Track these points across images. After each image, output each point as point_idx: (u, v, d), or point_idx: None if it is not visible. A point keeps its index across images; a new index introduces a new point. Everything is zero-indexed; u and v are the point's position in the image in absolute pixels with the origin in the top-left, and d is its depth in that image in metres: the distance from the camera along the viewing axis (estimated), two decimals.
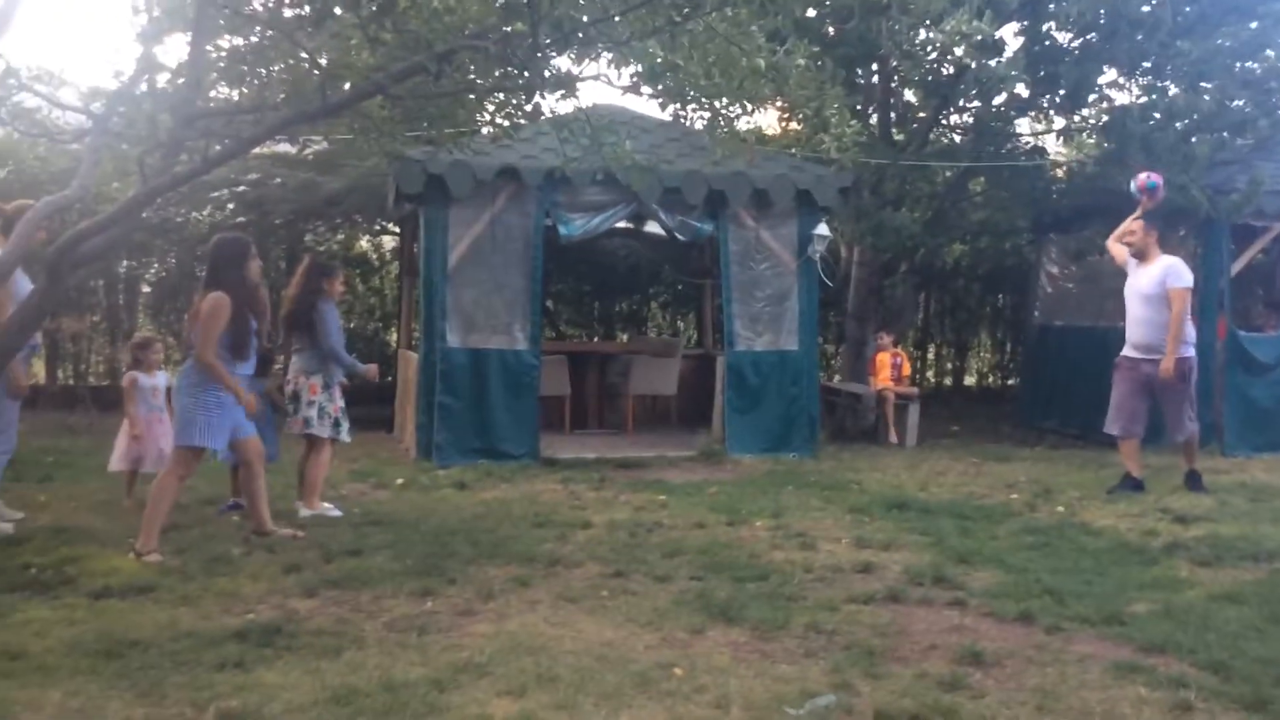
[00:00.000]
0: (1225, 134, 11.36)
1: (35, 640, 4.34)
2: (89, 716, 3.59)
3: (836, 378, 14.36)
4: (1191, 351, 7.98)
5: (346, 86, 6.18)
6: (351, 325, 14.94)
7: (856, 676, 4.12)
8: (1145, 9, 11.18)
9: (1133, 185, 8.42)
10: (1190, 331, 8.00)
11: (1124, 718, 3.74)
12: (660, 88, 7.41)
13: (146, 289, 14.29)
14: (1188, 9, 11.52)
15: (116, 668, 4.05)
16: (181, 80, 6.03)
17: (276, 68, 6.93)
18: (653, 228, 12.01)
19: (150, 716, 3.61)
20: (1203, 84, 11.58)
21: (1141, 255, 8.09)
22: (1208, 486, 8.10)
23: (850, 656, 4.35)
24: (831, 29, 11.80)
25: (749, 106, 8.38)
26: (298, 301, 7.19)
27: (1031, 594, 5.25)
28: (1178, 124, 11.38)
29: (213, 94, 7.47)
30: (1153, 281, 7.92)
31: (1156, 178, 8.41)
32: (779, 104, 10.18)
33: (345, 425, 7.27)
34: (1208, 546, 6.30)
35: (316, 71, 6.13)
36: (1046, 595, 5.22)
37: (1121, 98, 12.78)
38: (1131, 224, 8.23)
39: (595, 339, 15.84)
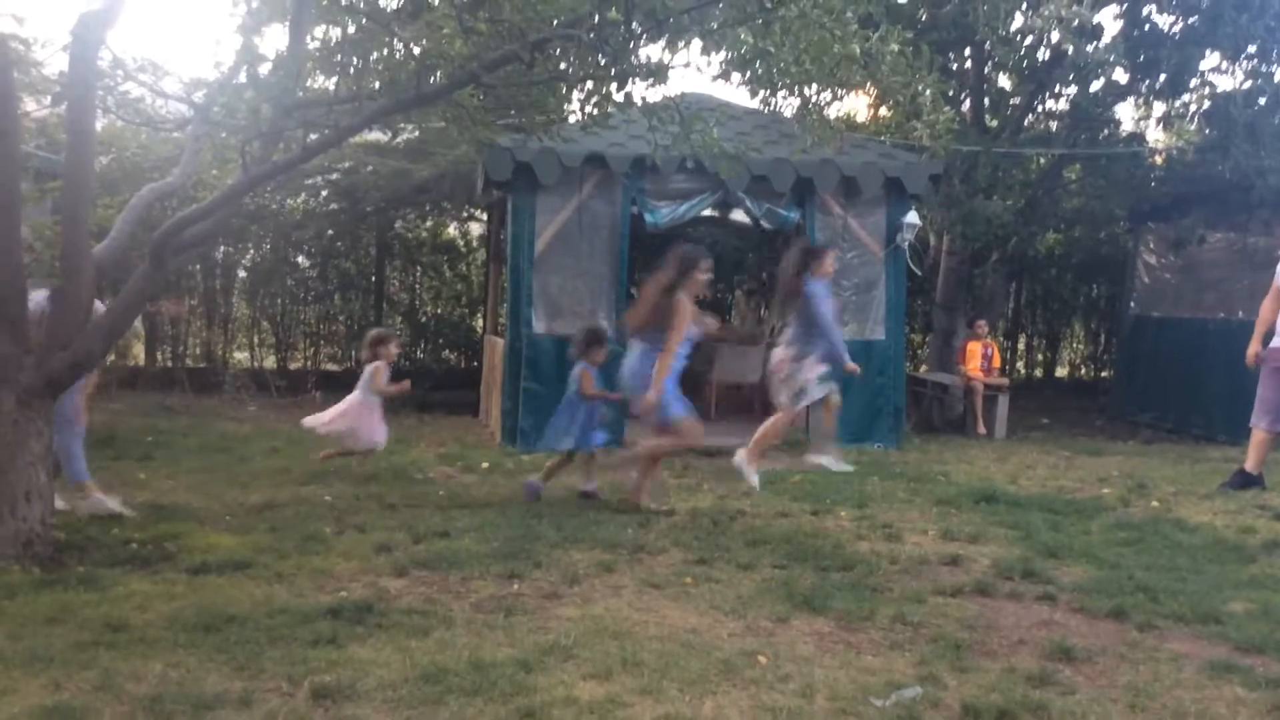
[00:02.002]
0: None
1: (136, 613, 4.49)
2: (188, 688, 3.70)
3: (923, 368, 14.19)
4: None
5: (440, 76, 6.26)
6: (439, 311, 15.16)
7: (943, 669, 4.08)
8: None
9: None
10: None
11: (1219, 718, 3.65)
12: (750, 75, 7.39)
13: (242, 274, 14.64)
14: None
15: (214, 641, 4.18)
16: (281, 71, 6.15)
17: (373, 57, 7.03)
18: (738, 216, 11.97)
19: (247, 689, 3.72)
20: None
21: None
22: None
23: (937, 649, 4.31)
24: (925, 13, 11.63)
25: (839, 93, 8.31)
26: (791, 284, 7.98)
27: (1124, 590, 5.14)
28: None
29: (310, 84, 7.63)
30: None
31: None
32: (870, 90, 10.07)
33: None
34: None
35: (412, 61, 6.21)
36: (1139, 592, 5.10)
37: (1224, 83, 12.40)
38: None
39: None
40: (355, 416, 7.87)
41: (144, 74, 7.15)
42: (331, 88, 7.21)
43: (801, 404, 7.95)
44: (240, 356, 14.64)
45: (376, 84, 6.27)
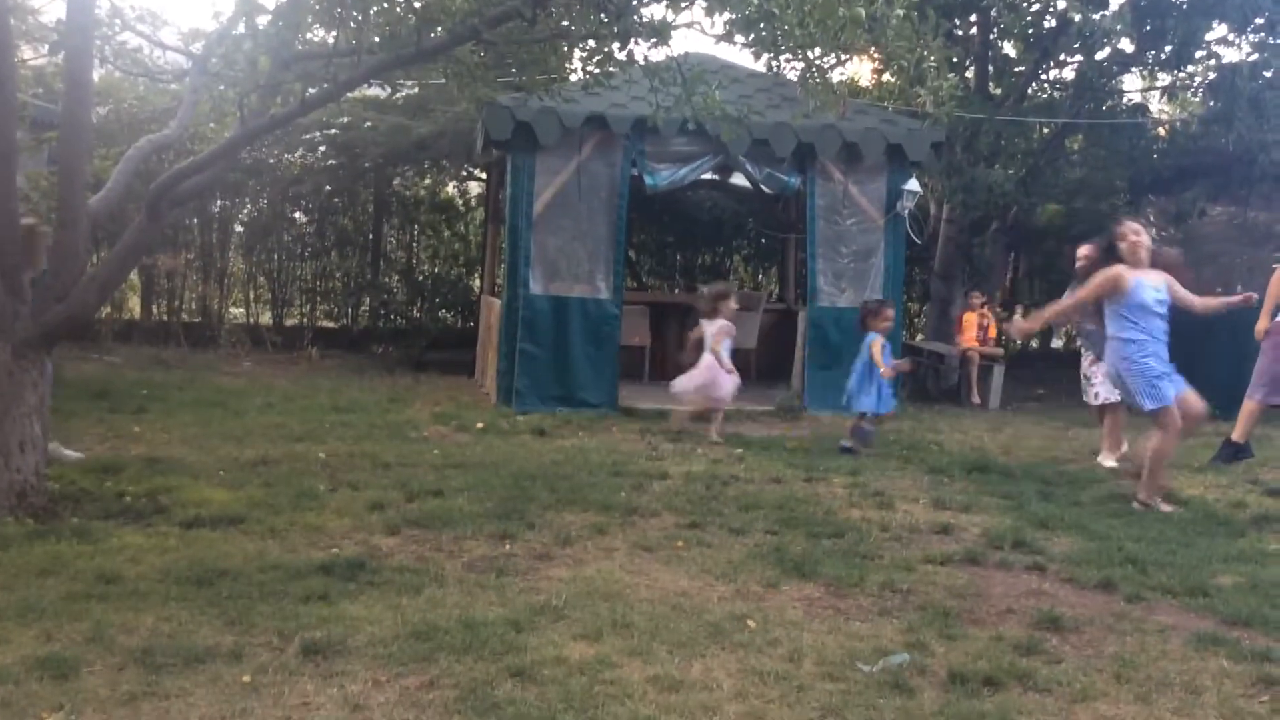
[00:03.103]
0: None
1: (129, 566, 4.51)
2: (179, 641, 3.72)
3: (920, 336, 14.18)
4: None
5: (441, 31, 6.20)
6: (436, 270, 15.13)
7: (931, 637, 4.10)
8: None
9: None
10: None
11: (1204, 690, 3.67)
12: (754, 37, 7.32)
13: (239, 228, 14.58)
14: None
15: (207, 595, 4.20)
16: (280, 23, 6.09)
17: (373, 11, 6.97)
18: (738, 180, 11.92)
19: (238, 643, 3.73)
20: None
21: None
22: None
23: (925, 616, 4.33)
24: None
25: (843, 57, 8.25)
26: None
27: (1113, 562, 5.16)
28: None
29: (309, 37, 7.55)
30: None
31: None
32: (874, 55, 10.00)
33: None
34: None
35: (412, 15, 6.15)
36: (1128, 564, 5.13)
37: (1230, 54, 12.31)
38: None
39: (677, 290, 15.83)
40: (706, 375, 8.35)
41: (142, 24, 7.10)
42: (331, 41, 7.15)
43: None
44: (236, 311, 14.61)
45: (376, 38, 6.21)
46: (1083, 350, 8.33)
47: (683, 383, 8.53)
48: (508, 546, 5.13)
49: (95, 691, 3.32)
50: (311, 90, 6.17)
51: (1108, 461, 7.82)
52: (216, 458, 6.76)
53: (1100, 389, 7.91)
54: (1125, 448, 7.90)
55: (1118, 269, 6.42)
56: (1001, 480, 7.12)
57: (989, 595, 4.70)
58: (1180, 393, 6.36)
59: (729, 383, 8.41)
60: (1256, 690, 3.70)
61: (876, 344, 8.07)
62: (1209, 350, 9.47)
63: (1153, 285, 6.41)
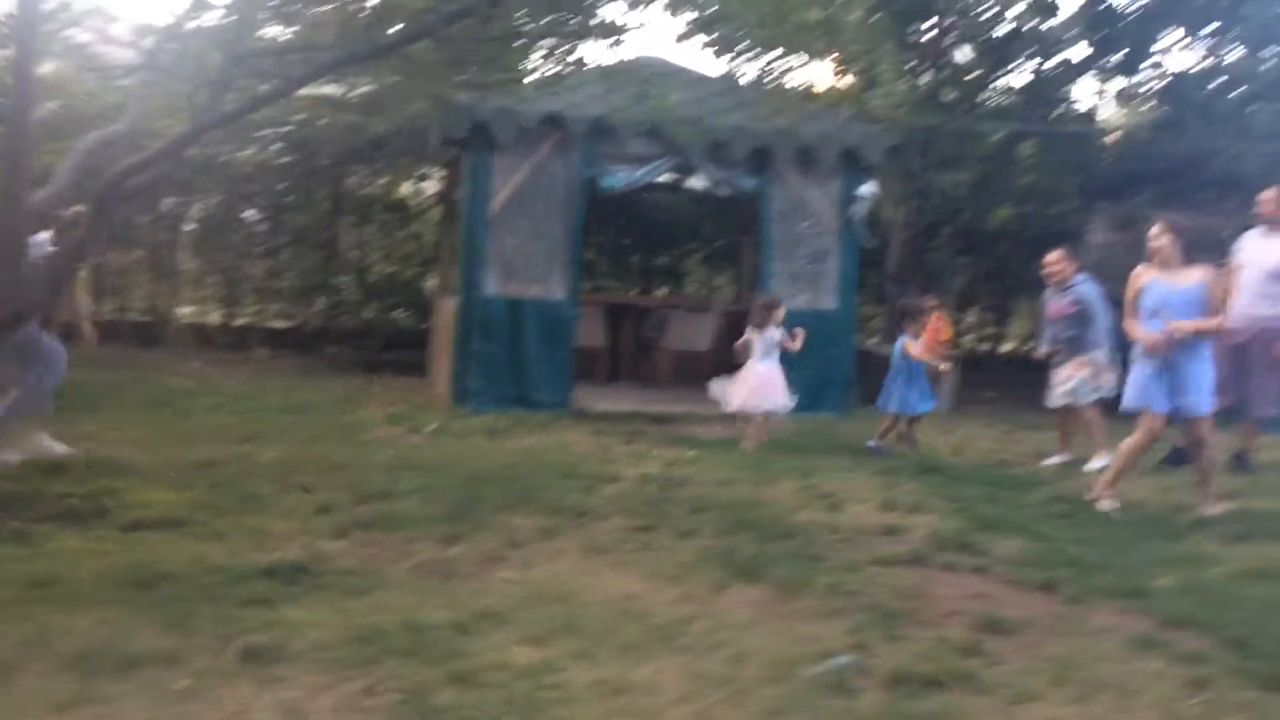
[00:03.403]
0: None
1: (68, 568, 4.43)
2: (117, 644, 3.66)
3: (874, 339, 14.27)
4: None
5: (395, 28, 6.17)
6: (390, 270, 15.04)
7: (876, 638, 4.12)
8: None
9: None
10: None
11: (1140, 691, 3.72)
12: (712, 38, 7.35)
13: (190, 226, 14.41)
14: None
15: (146, 598, 4.14)
16: (232, 18, 6.04)
17: (326, 7, 6.92)
18: (695, 182, 11.94)
19: (177, 647, 3.68)
20: (1266, 50, 11.31)
21: (1275, 225, 7.81)
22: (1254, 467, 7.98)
23: (871, 618, 4.36)
24: None
25: (801, 60, 8.31)
26: None
27: (1055, 563, 5.22)
28: (1238, 90, 11.14)
29: (262, 33, 7.49)
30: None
31: None
32: (831, 59, 10.08)
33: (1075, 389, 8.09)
34: (1237, 523, 6.23)
35: (366, 12, 6.12)
36: (1070, 565, 5.19)
37: (1181, 62, 12.55)
38: (1266, 192, 7.96)
39: (633, 292, 15.84)
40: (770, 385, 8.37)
41: (92, 19, 7.00)
42: (283, 37, 7.10)
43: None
44: (187, 310, 14.44)
45: (329, 34, 6.17)
46: (1052, 354, 8.42)
47: (726, 389, 8.53)
48: (456, 549, 5.10)
49: (29, 696, 3.27)
50: (263, 87, 6.12)
51: (1097, 463, 7.86)
52: (162, 459, 6.68)
53: (1084, 390, 8.06)
54: (1073, 454, 8.06)
55: (1137, 270, 6.57)
56: (950, 482, 7.18)
57: (934, 597, 4.73)
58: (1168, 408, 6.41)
59: (781, 395, 8.42)
60: (1192, 691, 3.75)
61: (910, 345, 8.36)
62: None
63: (1169, 286, 6.41)
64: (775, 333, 8.41)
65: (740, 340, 8.55)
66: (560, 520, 5.71)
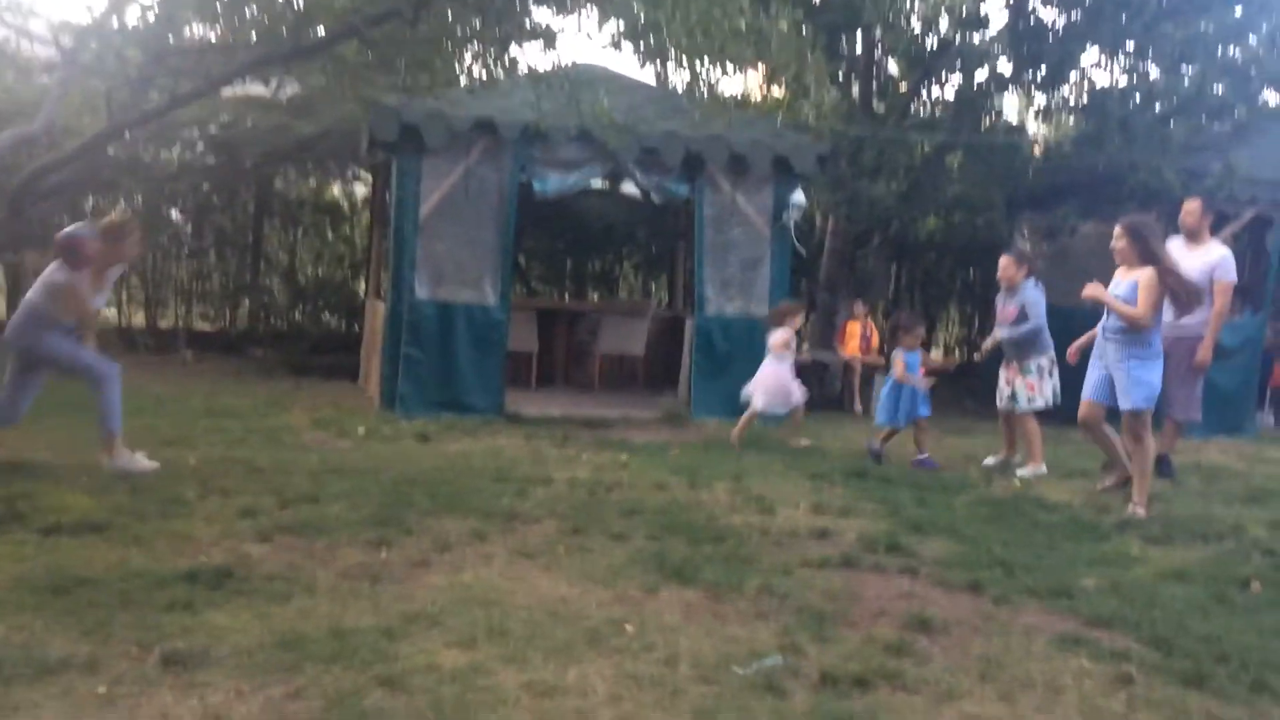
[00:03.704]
0: (1203, 119, 11.39)
1: None
2: (32, 651, 3.56)
3: (805, 345, 14.39)
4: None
5: (320, 28, 6.09)
6: (319, 273, 14.84)
7: (805, 639, 4.14)
8: None
9: None
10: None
11: (1064, 689, 3.78)
12: (641, 45, 7.36)
13: None
14: None
15: (63, 604, 4.02)
16: (153, 16, 5.92)
17: (251, 7, 6.81)
18: (628, 188, 11.96)
19: (95, 654, 3.58)
20: (1184, 68, 11.61)
21: (1194, 236, 8.03)
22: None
23: (800, 619, 4.38)
24: None
25: (730, 68, 8.35)
26: None
27: (982, 564, 5.29)
28: (1157, 106, 11.42)
29: (185, 32, 7.35)
30: (1200, 269, 7.78)
31: None
32: (761, 68, 10.14)
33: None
34: (1159, 525, 6.38)
35: (291, 12, 6.03)
36: (997, 566, 5.27)
37: (1103, 78, 12.82)
38: (1190, 202, 8.19)
39: (567, 297, 15.80)
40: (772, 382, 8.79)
41: (10, 14, 6.81)
42: (206, 36, 6.97)
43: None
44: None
45: (253, 34, 6.07)
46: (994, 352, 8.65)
47: (752, 389, 8.95)
48: (384, 554, 5.03)
49: None
50: (184, 86, 6.01)
51: (1028, 471, 8.03)
52: (81, 463, 6.50)
53: (1050, 398, 8.26)
54: (1014, 455, 8.29)
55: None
56: (879, 485, 7.25)
57: (863, 597, 4.77)
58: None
59: (795, 393, 8.91)
60: (1114, 689, 3.82)
61: (899, 361, 8.36)
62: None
63: (1115, 286, 6.77)
64: (782, 334, 8.93)
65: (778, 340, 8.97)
66: (490, 524, 5.66)
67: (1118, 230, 6.85)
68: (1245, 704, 3.72)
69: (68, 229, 6.53)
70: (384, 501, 5.96)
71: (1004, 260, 8.49)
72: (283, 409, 9.15)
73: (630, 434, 9.06)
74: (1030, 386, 8.19)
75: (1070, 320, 9.92)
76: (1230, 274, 7.86)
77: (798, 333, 9.20)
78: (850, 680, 3.71)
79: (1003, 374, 8.39)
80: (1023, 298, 8.26)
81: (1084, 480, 7.81)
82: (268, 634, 3.84)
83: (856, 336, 12.06)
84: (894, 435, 8.48)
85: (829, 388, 12.14)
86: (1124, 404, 6.73)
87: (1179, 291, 6.64)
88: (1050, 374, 8.25)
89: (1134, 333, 6.67)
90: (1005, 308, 8.43)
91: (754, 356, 10.19)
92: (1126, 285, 6.74)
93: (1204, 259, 7.85)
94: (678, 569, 4.98)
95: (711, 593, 4.71)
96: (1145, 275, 6.64)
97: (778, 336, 8.96)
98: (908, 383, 8.27)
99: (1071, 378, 7.84)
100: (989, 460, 8.32)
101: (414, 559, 4.98)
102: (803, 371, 12.22)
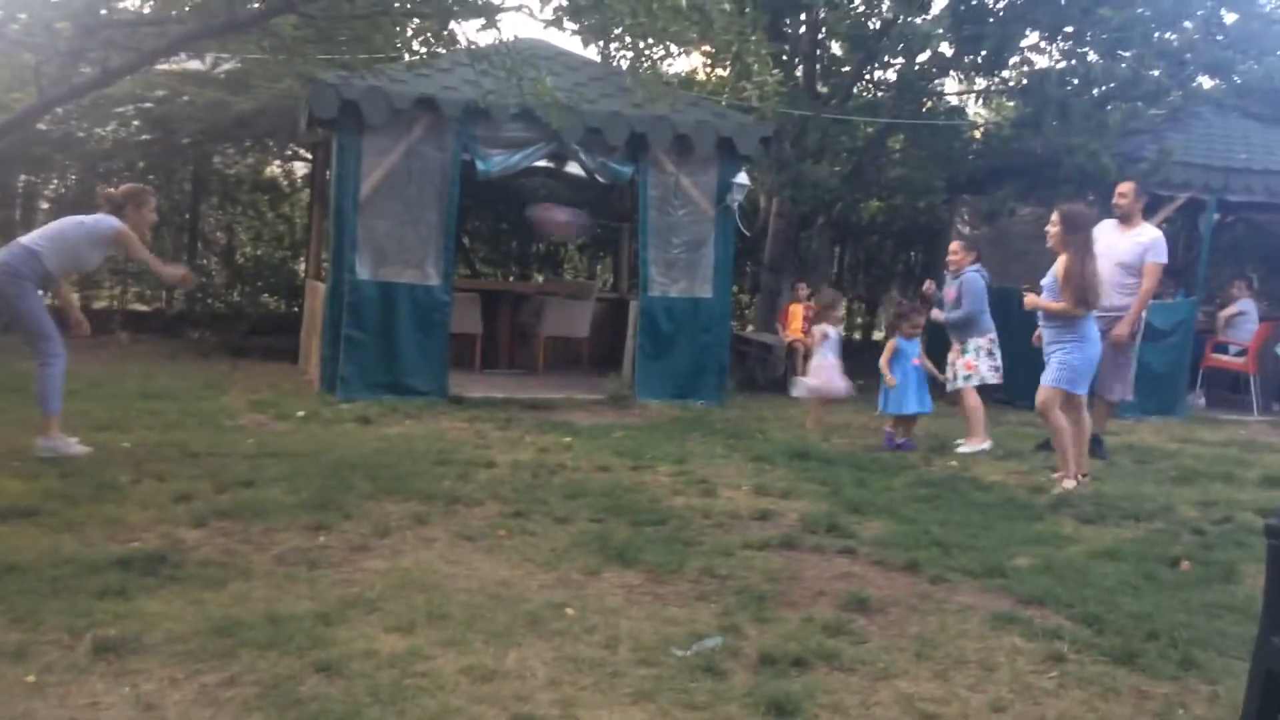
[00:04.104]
0: (1139, 103, 11.57)
1: None
2: None
3: (750, 327, 14.46)
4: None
5: (256, 2, 5.98)
6: (259, 253, 14.62)
7: (745, 620, 4.17)
8: None
9: None
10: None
11: (997, 666, 3.85)
12: (584, 23, 7.30)
13: (45, 205, 13.75)
14: None
15: None
16: None
17: None
18: (573, 169, 11.89)
19: (25, 642, 3.52)
20: (1121, 52, 11.77)
21: (1127, 219, 8.16)
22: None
23: (741, 601, 4.41)
24: None
25: (673, 48, 8.32)
26: None
27: (919, 545, 5.36)
28: (1094, 90, 11.57)
29: (117, 4, 7.17)
30: (1132, 251, 7.97)
31: None
32: (704, 49, 10.12)
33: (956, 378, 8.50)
34: (1092, 505, 6.50)
35: None
36: (934, 546, 5.34)
37: (1042, 62, 12.95)
38: (1124, 185, 8.33)
39: (511, 278, 15.72)
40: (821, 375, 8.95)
41: None
42: (139, 8, 6.81)
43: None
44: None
45: (186, 7, 5.94)
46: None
47: (803, 382, 9.36)
48: (322, 538, 4.98)
49: None
50: (117, 60, 5.86)
51: (967, 447, 8.22)
52: (11, 447, 6.36)
53: (987, 375, 8.43)
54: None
55: None
56: (821, 467, 7.31)
57: (802, 578, 4.81)
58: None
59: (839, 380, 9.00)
60: (1046, 666, 3.90)
61: (889, 346, 8.51)
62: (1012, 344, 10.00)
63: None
64: (828, 329, 9.09)
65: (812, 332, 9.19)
66: (432, 508, 5.63)
67: (1054, 217, 6.97)
68: (1173, 680, 3.81)
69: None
70: (323, 485, 5.90)
71: (954, 245, 8.70)
72: (220, 391, 9.01)
73: (574, 416, 9.04)
74: (969, 366, 8.35)
75: (1009, 301, 10.07)
76: (1161, 256, 8.00)
77: (824, 320, 9.25)
78: (789, 660, 3.75)
79: (950, 354, 8.55)
80: (962, 282, 8.39)
81: (1019, 461, 7.93)
82: (202, 620, 3.79)
83: (799, 318, 12.12)
84: (915, 422, 8.56)
85: (773, 369, 12.21)
86: (1042, 379, 6.91)
87: (1079, 289, 6.77)
88: (990, 354, 8.38)
89: (1063, 319, 6.83)
90: (948, 290, 8.57)
91: (697, 339, 10.24)
92: (1050, 274, 6.91)
93: (1136, 240, 7.99)
94: (620, 551, 4.99)
95: (653, 575, 4.73)
96: (1061, 265, 6.81)
97: (814, 332, 9.20)
98: (886, 375, 8.38)
99: (1026, 361, 8.03)
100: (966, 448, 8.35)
101: (353, 543, 4.94)
102: (745, 353, 12.32)
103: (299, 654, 3.55)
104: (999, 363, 8.42)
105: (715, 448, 7.85)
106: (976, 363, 8.35)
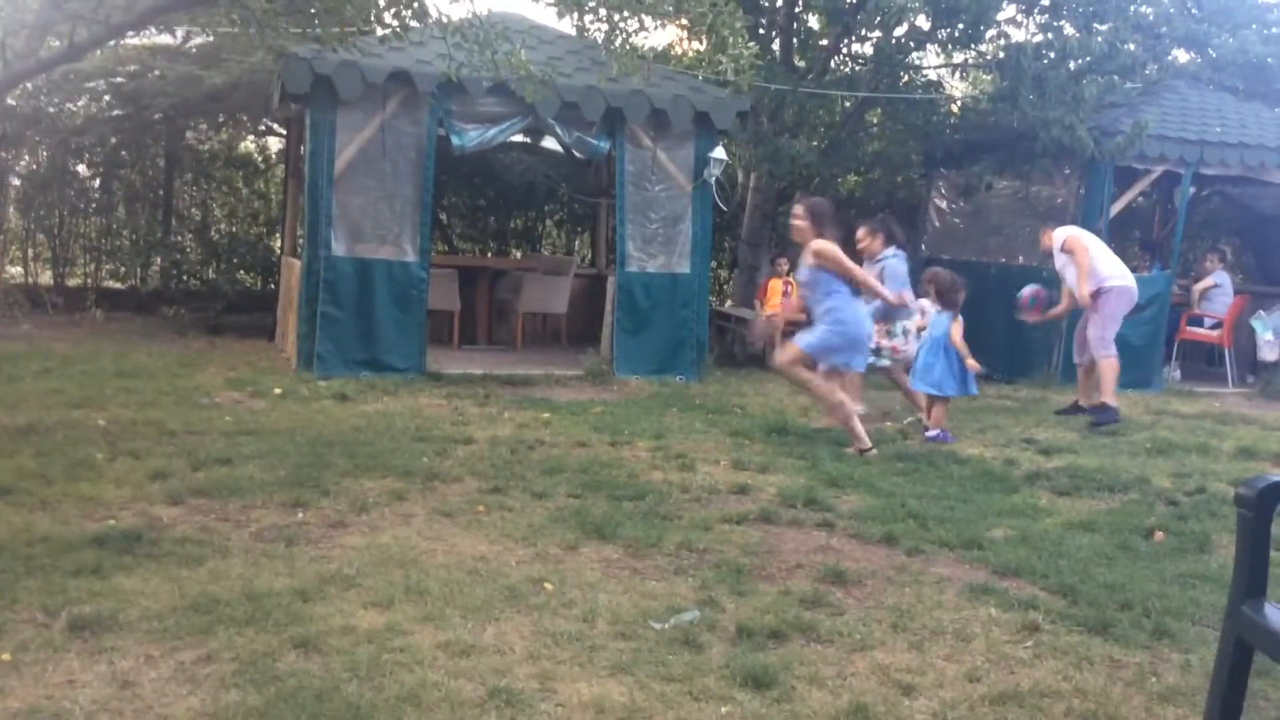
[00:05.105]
0: (1115, 76, 11.58)
1: None
2: None
3: (728, 303, 14.45)
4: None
5: None
6: (233, 230, 14.50)
7: (723, 593, 4.20)
8: None
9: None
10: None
11: (973, 637, 3.88)
12: None
13: (16, 182, 13.59)
14: None
15: None
16: None
17: None
18: (550, 144, 11.84)
19: (0, 621, 3.51)
20: (1097, 25, 11.76)
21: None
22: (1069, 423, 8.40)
23: (719, 574, 4.43)
24: None
25: (648, 21, 8.27)
26: None
27: (896, 517, 5.40)
28: (1070, 64, 11.56)
29: None
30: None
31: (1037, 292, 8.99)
32: (680, 22, 10.06)
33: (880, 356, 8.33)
34: (1067, 477, 6.55)
35: None
36: (910, 519, 5.38)
37: (1019, 35, 12.91)
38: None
39: (489, 254, 15.66)
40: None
41: None
42: None
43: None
44: (14, 271, 13.65)
45: None
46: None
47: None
48: (300, 515, 4.97)
49: None
50: (84, 33, 5.78)
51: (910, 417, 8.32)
52: None
53: (885, 354, 8.42)
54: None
55: None
56: (798, 441, 7.34)
57: (780, 552, 4.84)
58: None
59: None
60: (1021, 636, 3.94)
61: (957, 328, 7.84)
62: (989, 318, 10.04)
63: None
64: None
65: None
66: (410, 484, 5.62)
67: (798, 209, 7.34)
68: (1146, 649, 3.85)
69: None
70: (300, 462, 5.88)
71: (860, 232, 8.63)
72: (196, 369, 8.95)
73: (552, 392, 9.04)
74: (895, 349, 8.34)
75: (985, 276, 10.13)
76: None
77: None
78: (766, 633, 3.77)
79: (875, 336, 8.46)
80: (882, 267, 8.36)
81: (995, 434, 7.98)
82: (179, 598, 3.78)
83: (778, 293, 12.11)
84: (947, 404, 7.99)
85: (751, 344, 12.22)
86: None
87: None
88: (918, 336, 8.34)
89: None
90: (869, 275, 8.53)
91: (675, 314, 10.23)
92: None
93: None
94: (598, 526, 5.00)
95: (631, 549, 4.74)
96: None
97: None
98: (965, 353, 7.77)
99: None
100: (908, 420, 8.41)
101: (331, 520, 4.93)
102: (724, 329, 12.32)
103: (277, 630, 3.55)
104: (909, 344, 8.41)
105: (694, 423, 7.86)
106: (903, 345, 8.35)
